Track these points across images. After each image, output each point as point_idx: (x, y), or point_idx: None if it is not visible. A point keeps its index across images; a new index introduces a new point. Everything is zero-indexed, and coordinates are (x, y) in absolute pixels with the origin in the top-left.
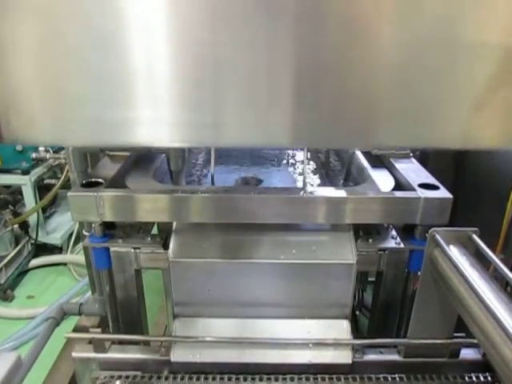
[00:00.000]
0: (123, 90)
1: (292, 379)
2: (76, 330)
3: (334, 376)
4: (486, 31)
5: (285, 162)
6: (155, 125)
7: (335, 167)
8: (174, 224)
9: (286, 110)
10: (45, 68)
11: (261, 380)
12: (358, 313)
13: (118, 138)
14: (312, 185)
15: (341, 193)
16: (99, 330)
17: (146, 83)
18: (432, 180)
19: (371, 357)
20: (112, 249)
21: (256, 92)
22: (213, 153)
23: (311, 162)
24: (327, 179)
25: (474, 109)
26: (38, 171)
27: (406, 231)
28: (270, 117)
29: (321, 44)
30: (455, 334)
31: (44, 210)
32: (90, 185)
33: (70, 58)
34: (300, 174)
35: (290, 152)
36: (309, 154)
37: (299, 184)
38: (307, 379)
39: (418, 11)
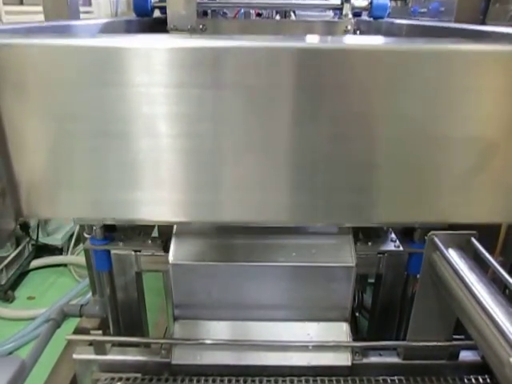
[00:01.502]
0: (130, 175)
1: (292, 381)
2: (77, 331)
3: (334, 378)
4: (465, 127)
5: None
6: (159, 204)
7: None
8: (175, 227)
9: (283, 191)
10: (59, 157)
11: (261, 382)
12: (357, 314)
13: (125, 214)
14: None
15: None
16: (100, 331)
17: (150, 169)
18: None
19: (371, 359)
20: (112, 251)
21: (254, 176)
22: None
23: None
24: None
25: (460, 189)
26: None
27: (406, 234)
28: (268, 198)
29: (317, 136)
30: (454, 337)
31: None
32: None
33: (82, 150)
34: None
35: None
36: None
37: None
38: (307, 381)
39: (407, 110)
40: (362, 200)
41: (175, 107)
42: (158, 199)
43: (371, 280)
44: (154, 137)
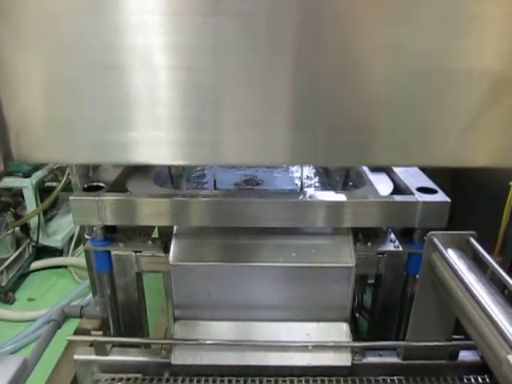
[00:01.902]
0: (125, 113)
1: (292, 381)
2: (77, 332)
3: (334, 378)
4: (473, 59)
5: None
6: (156, 144)
7: (334, 171)
8: (175, 228)
9: (284, 130)
10: (52, 95)
11: (261, 382)
12: (357, 315)
13: (121, 156)
14: (311, 185)
15: (340, 197)
16: (100, 332)
17: (147, 106)
18: (430, 184)
19: (370, 359)
20: (113, 252)
21: (255, 113)
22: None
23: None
24: (327, 183)
25: (465, 130)
26: (39, 174)
27: (405, 234)
28: (268, 137)
29: (318, 71)
30: (454, 336)
31: (45, 212)
32: (91, 189)
33: (75, 85)
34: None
35: None
36: None
37: (298, 184)
38: (307, 381)
39: (411, 42)
40: (364, 140)
41: (173, 37)
42: (155, 140)
43: (371, 281)
44: (150, 70)
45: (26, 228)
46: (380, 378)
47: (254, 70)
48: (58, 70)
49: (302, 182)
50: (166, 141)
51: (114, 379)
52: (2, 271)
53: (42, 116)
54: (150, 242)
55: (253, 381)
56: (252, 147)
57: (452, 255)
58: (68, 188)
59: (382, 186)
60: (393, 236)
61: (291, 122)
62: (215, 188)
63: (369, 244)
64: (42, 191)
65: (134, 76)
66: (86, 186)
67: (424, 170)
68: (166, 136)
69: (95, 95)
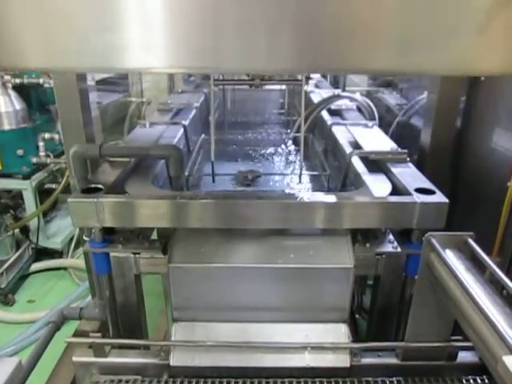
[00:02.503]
0: (111, 11)
1: (291, 383)
2: (76, 334)
3: (333, 379)
4: None
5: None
6: (148, 48)
7: (333, 172)
8: (174, 229)
9: (285, 33)
10: None
11: None
12: (357, 316)
13: (107, 62)
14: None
15: (338, 198)
16: (99, 334)
17: (136, 4)
18: (428, 184)
19: (369, 360)
20: (112, 254)
21: (255, 14)
22: (213, 154)
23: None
24: (325, 184)
25: (474, 32)
26: (38, 176)
27: (403, 235)
28: (270, 40)
29: None
30: (452, 337)
31: (44, 214)
32: (90, 191)
33: None
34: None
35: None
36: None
37: (295, 179)
38: (305, 383)
39: None
40: (366, 43)
41: None
42: (145, 42)
43: (371, 282)
44: None
45: (25, 230)
46: (379, 378)
47: None
48: None
49: (301, 166)
50: (158, 44)
51: (113, 381)
52: (2, 273)
53: (16, 17)
54: (149, 244)
55: (252, 382)
56: (253, 53)
57: (450, 256)
58: (68, 190)
59: (381, 186)
60: (391, 237)
61: (291, 25)
62: (213, 181)
63: (367, 245)
64: (42, 193)
65: None
66: (84, 187)
67: (423, 170)
68: (159, 39)
69: None
